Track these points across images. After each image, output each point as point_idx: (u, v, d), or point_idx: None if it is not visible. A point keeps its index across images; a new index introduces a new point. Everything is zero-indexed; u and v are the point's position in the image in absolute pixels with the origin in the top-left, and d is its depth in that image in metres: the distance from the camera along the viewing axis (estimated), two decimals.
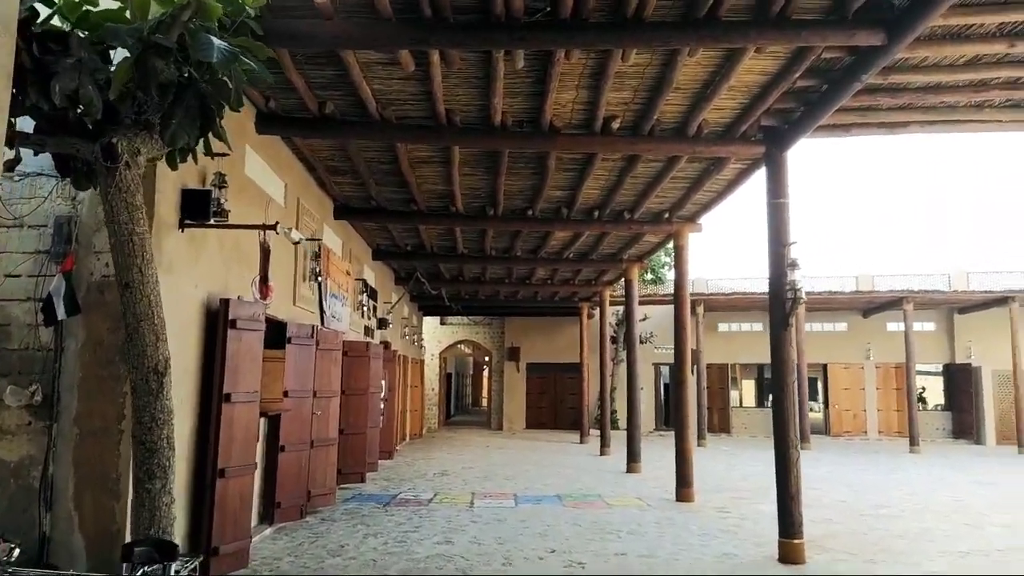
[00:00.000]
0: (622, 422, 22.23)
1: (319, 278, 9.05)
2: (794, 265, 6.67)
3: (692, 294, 20.01)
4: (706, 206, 9.93)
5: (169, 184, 4.94)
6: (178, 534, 5.17)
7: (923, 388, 22.55)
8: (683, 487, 10.00)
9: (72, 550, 4.55)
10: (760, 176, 7.56)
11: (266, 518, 7.49)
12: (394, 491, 10.49)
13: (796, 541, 6.52)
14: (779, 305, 6.89)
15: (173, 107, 3.76)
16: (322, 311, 9.34)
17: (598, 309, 21.65)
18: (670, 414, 24.04)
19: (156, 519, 3.93)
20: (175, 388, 5.16)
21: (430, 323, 25.23)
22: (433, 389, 25.11)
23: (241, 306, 5.73)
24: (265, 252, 6.86)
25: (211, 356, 5.55)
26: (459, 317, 25.03)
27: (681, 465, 10.10)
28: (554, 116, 6.84)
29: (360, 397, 10.78)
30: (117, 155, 3.65)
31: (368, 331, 12.96)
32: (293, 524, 7.79)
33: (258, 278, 6.76)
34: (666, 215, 10.27)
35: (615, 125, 6.99)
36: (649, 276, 22.09)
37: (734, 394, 23.87)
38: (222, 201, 5.40)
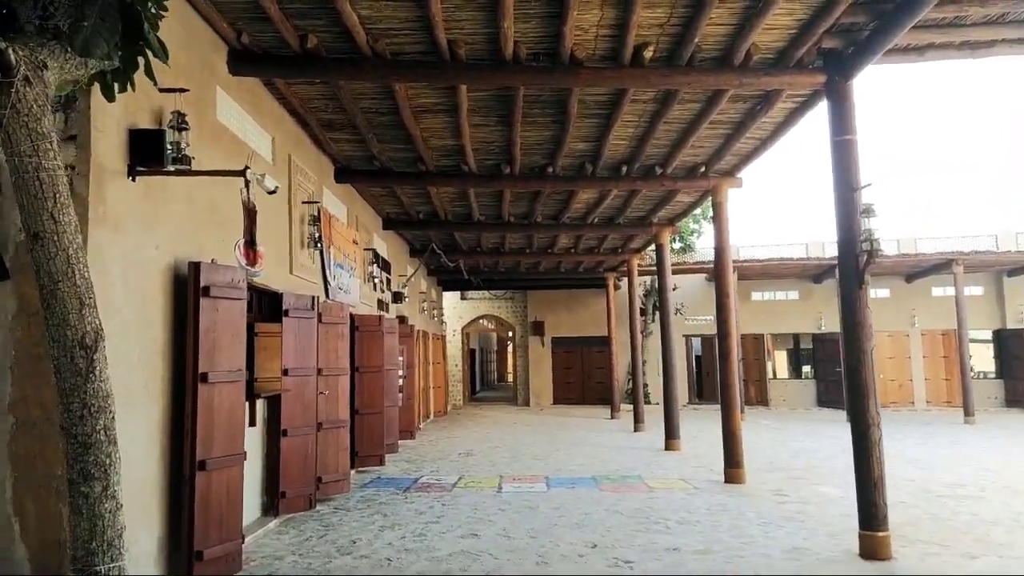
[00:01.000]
0: (653, 396, 21.36)
1: (319, 245, 8.24)
2: (869, 212, 5.66)
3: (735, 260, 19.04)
4: (747, 157, 8.90)
5: (111, 121, 4.10)
6: (151, 539, 4.42)
7: (970, 356, 21.30)
8: (732, 467, 9.10)
9: (14, 561, 3.81)
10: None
11: (270, 510, 6.76)
12: (415, 474, 9.75)
13: (880, 534, 5.60)
14: (850, 259, 5.90)
15: (84, 7, 2.92)
16: (326, 281, 8.54)
17: (625, 280, 20.74)
18: (703, 387, 23.09)
19: (98, 529, 3.15)
20: (139, 369, 4.39)
21: (450, 299, 24.48)
22: (456, 365, 24.42)
23: (215, 271, 4.91)
24: (250, 212, 6.02)
25: (182, 330, 4.75)
26: (480, 292, 24.24)
27: (729, 443, 9.20)
28: (575, 45, 5.87)
29: (374, 374, 10.01)
30: (11, 66, 2.81)
31: (382, 305, 12.18)
32: (302, 515, 7.06)
33: (242, 241, 5.94)
34: (702, 169, 9.26)
35: (647, 54, 6.00)
36: (678, 244, 21.05)
37: (769, 365, 22.82)
38: (183, 146, 4.56)
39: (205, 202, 5.32)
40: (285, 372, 6.69)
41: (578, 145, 8.44)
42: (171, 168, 4.38)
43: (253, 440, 6.51)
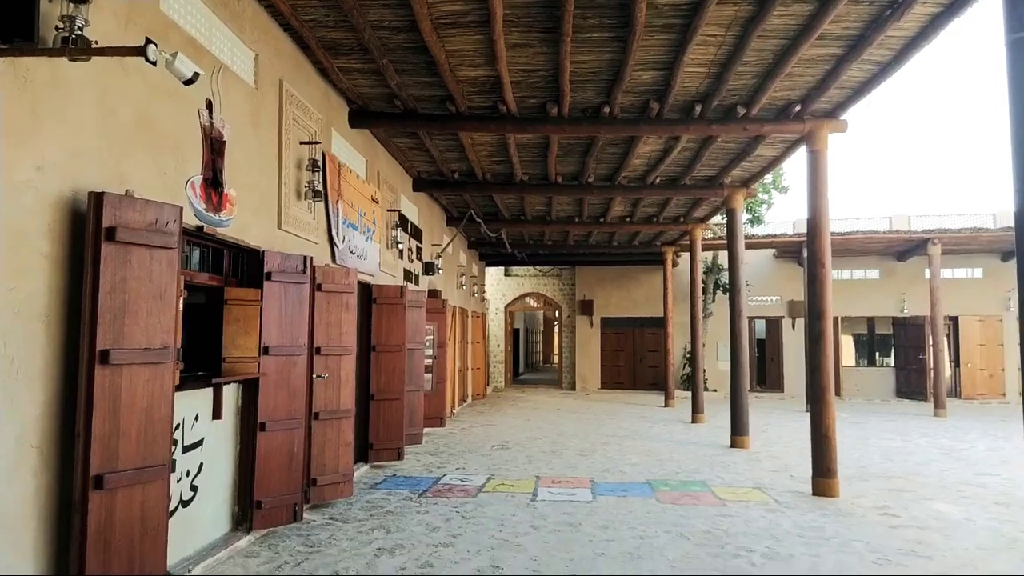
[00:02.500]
0: (710, 382, 19.56)
1: (326, 197, 6.79)
2: None
3: (799, 234, 17.03)
4: (858, 91, 7.06)
5: None
6: None
7: None
8: (823, 476, 7.40)
9: None
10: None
11: (242, 523, 5.40)
12: (437, 472, 8.32)
13: None
14: None
15: None
16: (332, 242, 7.10)
17: (684, 255, 18.89)
18: (766, 374, 21.15)
19: None
20: (6, 340, 3.01)
21: (493, 275, 23.02)
22: (498, 345, 23.02)
23: (128, 206, 3.47)
24: (213, 141, 4.59)
25: (79, 289, 3.34)
26: (525, 268, 22.71)
27: (821, 447, 7.48)
28: None
29: (394, 354, 8.60)
30: None
31: (410, 276, 10.74)
32: (285, 529, 5.68)
33: (199, 178, 4.50)
34: (796, 108, 7.45)
35: None
36: (745, 216, 19.07)
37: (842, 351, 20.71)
38: (79, 23, 3.11)
39: (133, 115, 3.88)
40: (265, 351, 5.29)
41: (642, 75, 6.75)
42: (53, 47, 2.94)
43: (220, 436, 5.13)
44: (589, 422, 13.57)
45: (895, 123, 56.28)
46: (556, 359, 27.88)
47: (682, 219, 14.01)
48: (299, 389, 5.63)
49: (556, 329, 27.76)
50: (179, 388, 4.08)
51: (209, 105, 4.64)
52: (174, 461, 3.88)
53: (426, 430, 11.51)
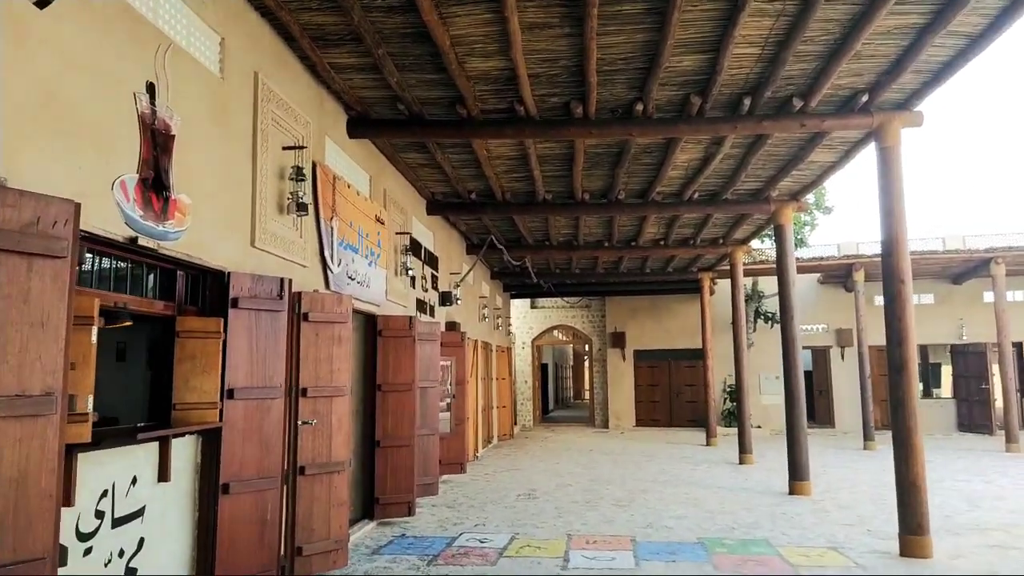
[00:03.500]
0: (754, 418, 18.13)
1: (317, 214, 5.87)
2: None
3: (847, 256, 15.78)
4: (938, 75, 5.98)
5: None
6: None
7: None
8: (912, 533, 6.14)
9: None
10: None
11: None
12: (453, 530, 7.21)
13: None
14: None
15: None
16: (325, 264, 6.16)
17: (720, 283, 17.68)
18: (815, 408, 19.66)
19: None
20: None
21: (519, 307, 22.00)
22: (526, 382, 21.87)
23: None
24: (155, 131, 3.68)
25: None
26: (552, 300, 21.65)
27: (909, 500, 6.23)
28: None
29: (402, 394, 7.57)
30: None
31: (424, 307, 9.77)
32: None
33: (134, 178, 3.58)
34: (863, 98, 6.38)
35: None
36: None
37: None
38: None
39: (35, 92, 2.97)
40: (230, 394, 4.30)
41: (683, 60, 5.75)
42: None
43: (170, 502, 4.11)
44: (625, 465, 12.34)
45: (942, 136, 54.22)
46: (587, 395, 26.63)
47: (721, 240, 12.90)
48: (273, 440, 4.62)
49: (586, 363, 26.55)
50: (94, 446, 3.10)
51: (151, 89, 3.74)
52: (65, 549, 2.88)
53: (444, 477, 10.40)
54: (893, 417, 6.41)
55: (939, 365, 19.80)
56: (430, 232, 10.45)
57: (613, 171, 8.71)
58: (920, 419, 6.34)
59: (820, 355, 19.43)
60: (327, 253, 6.15)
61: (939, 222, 48.73)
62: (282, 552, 4.90)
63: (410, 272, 8.76)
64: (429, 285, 10.20)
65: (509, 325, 19.59)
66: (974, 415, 17.62)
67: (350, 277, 6.72)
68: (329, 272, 6.21)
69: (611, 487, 9.92)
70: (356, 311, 7.07)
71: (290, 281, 4.95)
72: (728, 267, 15.45)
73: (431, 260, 10.40)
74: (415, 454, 7.65)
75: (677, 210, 10.00)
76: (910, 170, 52.36)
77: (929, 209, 48.32)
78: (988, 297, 18.21)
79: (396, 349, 7.60)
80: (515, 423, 20.15)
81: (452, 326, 11.40)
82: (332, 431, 5.53)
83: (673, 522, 7.53)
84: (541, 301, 22.05)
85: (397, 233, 8.47)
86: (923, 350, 19.40)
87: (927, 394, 19.44)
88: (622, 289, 19.87)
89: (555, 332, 22.70)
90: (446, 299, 10.82)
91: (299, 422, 5.21)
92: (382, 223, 7.80)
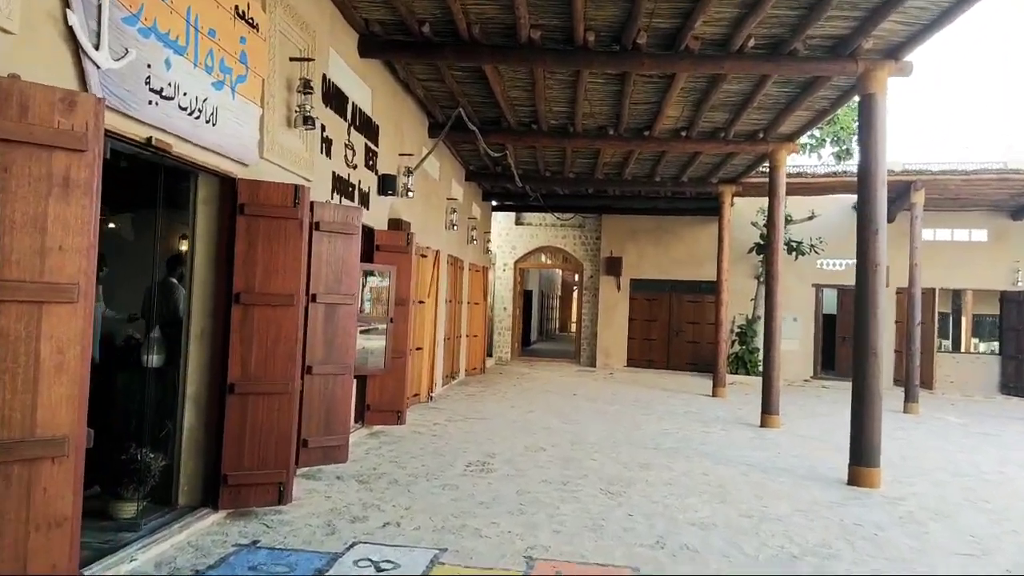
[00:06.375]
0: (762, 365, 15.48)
1: None
2: None
3: (907, 172, 12.69)
4: (928, 27, 2.88)
5: None
6: None
7: None
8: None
9: None
10: None
11: None
12: (346, 535, 4.42)
13: None
14: None
15: None
16: (78, 44, 3.10)
17: (738, 203, 14.62)
18: (836, 356, 17.03)
19: None
20: None
21: (502, 223, 18.98)
22: (505, 309, 19.09)
23: None
24: None
25: None
26: (540, 216, 18.63)
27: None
28: None
29: (276, 311, 4.64)
30: None
31: (347, 189, 6.76)
32: None
33: None
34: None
35: None
36: (830, 148, 14.71)
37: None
38: None
39: None
40: None
41: None
42: None
43: None
44: (618, 419, 9.63)
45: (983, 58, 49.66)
46: (574, 327, 24.00)
47: (762, 134, 9.79)
48: None
49: (575, 293, 23.81)
50: None
51: None
52: None
53: (372, 430, 7.64)
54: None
55: (983, 316, 17.10)
56: (366, 87, 7.32)
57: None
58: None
59: (847, 296, 16.62)
60: (78, 19, 3.08)
61: (997, 147, 43.71)
62: None
63: (320, 126, 5.69)
64: (360, 160, 7.15)
65: (488, 241, 16.61)
66: (1023, 376, 15.04)
67: (156, 92, 3.68)
68: (88, 61, 3.16)
69: (600, 457, 7.18)
70: (184, 162, 4.07)
71: None
72: (757, 179, 12.50)
73: (366, 126, 7.32)
74: (296, 405, 4.78)
75: (721, 66, 6.86)
76: (965, 86, 47.90)
77: (987, 132, 43.89)
78: None
79: (269, 237, 4.63)
80: (488, 355, 17.46)
81: (396, 224, 8.42)
82: (38, 371, 2.62)
83: (697, 537, 4.77)
84: (528, 216, 19.03)
85: (293, 59, 5.36)
86: (956, 294, 16.63)
87: (957, 347, 16.78)
88: (622, 206, 16.86)
89: (542, 255, 19.77)
90: (388, 185, 7.79)
91: None
92: (254, 27, 4.69)
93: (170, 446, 4.63)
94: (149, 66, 3.66)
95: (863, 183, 6.55)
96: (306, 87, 5.32)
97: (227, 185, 4.61)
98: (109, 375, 4.84)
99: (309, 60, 5.47)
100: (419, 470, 6.18)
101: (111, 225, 6.76)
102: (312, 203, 5.37)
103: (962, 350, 16.67)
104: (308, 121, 5.34)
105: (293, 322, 4.68)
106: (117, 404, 4.85)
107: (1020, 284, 15.39)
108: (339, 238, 5.64)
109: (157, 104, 3.73)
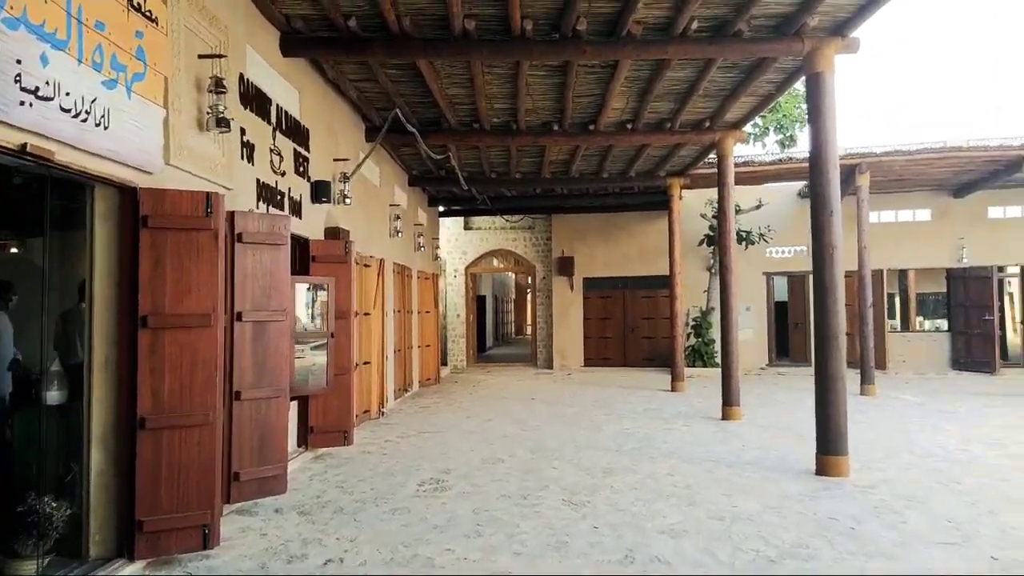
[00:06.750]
0: (719, 356, 15.42)
1: None
2: None
3: (851, 155, 12.73)
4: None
5: None
6: None
7: None
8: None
9: None
10: None
11: None
12: None
13: None
14: None
15: None
16: None
17: (686, 196, 14.51)
18: (788, 344, 17.09)
19: None
20: None
21: (451, 229, 18.55)
22: (458, 316, 18.66)
23: None
24: None
25: None
26: (489, 219, 18.26)
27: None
28: None
29: (191, 334, 4.16)
30: None
31: (274, 198, 6.28)
32: None
33: None
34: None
35: None
36: (774, 136, 14.76)
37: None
38: None
39: None
40: None
41: None
42: None
43: None
44: (578, 422, 9.31)
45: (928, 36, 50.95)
46: (530, 329, 23.68)
47: (708, 123, 9.63)
48: None
49: (529, 295, 23.52)
50: None
51: None
52: None
53: (316, 453, 7.15)
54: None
55: (937, 294, 17.39)
56: (292, 89, 6.86)
57: None
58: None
59: (797, 282, 16.74)
60: None
61: (933, 128, 44.91)
62: None
63: (239, 130, 5.22)
64: (289, 166, 6.67)
65: (436, 247, 16.17)
66: (973, 351, 15.30)
67: (30, 91, 3.20)
68: None
69: (561, 464, 6.84)
70: (72, 171, 3.60)
71: None
72: (705, 170, 12.41)
73: (294, 130, 6.85)
74: (219, 437, 4.30)
75: (665, 51, 6.60)
76: (894, 69, 49.32)
77: (922, 113, 45.08)
78: (994, 213, 15.72)
79: (179, 252, 4.15)
80: (444, 364, 17.02)
81: (334, 233, 7.95)
82: None
83: (668, 546, 4.46)
84: (476, 221, 18.65)
85: (202, 56, 4.88)
86: (901, 274, 16.88)
87: (906, 327, 17.03)
88: (571, 205, 16.62)
89: (493, 259, 19.41)
90: (322, 192, 7.32)
91: None
92: (153, 21, 4.21)
93: (78, 492, 4.10)
94: (19, 62, 3.18)
95: (815, 166, 6.35)
96: (218, 86, 4.85)
97: (128, 196, 4.12)
98: (2, 416, 4.29)
99: (220, 56, 4.99)
100: (367, 494, 5.74)
101: (14, 250, 6.17)
102: (233, 213, 4.94)
103: (911, 329, 16.90)
104: (222, 123, 4.86)
105: (211, 344, 4.20)
106: (13, 448, 4.30)
107: (965, 261, 15.67)
108: (266, 249, 5.17)
109: (32, 105, 3.24)
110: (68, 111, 3.47)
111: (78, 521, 4.05)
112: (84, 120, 3.60)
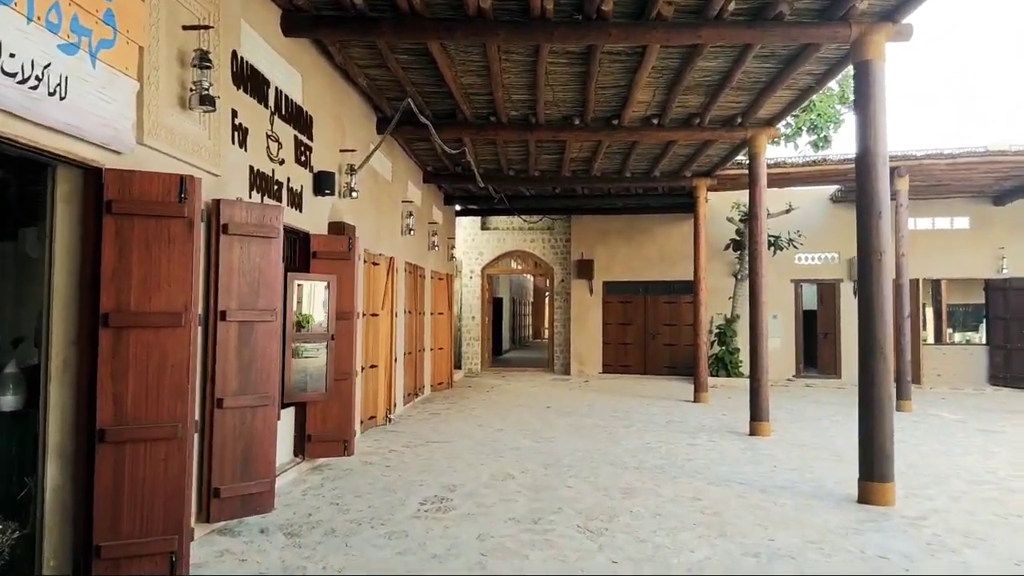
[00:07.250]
0: (745, 366, 14.81)
1: None
2: None
3: (892, 157, 12.02)
4: None
5: None
6: None
7: None
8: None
9: None
10: None
11: None
12: None
13: None
14: None
15: None
16: None
17: (711, 198, 13.93)
18: (816, 354, 16.37)
19: None
20: None
21: (467, 229, 18.08)
22: (473, 318, 18.18)
23: None
24: None
25: None
26: (507, 219, 17.76)
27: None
28: None
29: (159, 334, 3.69)
30: None
31: (270, 187, 5.81)
32: None
33: None
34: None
35: None
36: (806, 136, 14.06)
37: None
38: None
39: None
40: None
41: None
42: None
43: None
44: (595, 435, 8.76)
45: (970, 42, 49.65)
46: (547, 333, 23.14)
47: (740, 119, 9.04)
48: None
49: (547, 298, 22.97)
50: None
51: None
52: None
53: (314, 463, 6.66)
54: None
55: (968, 305, 16.61)
56: (295, 72, 6.39)
57: None
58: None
59: (827, 291, 16.02)
60: None
61: (978, 133, 43.13)
62: None
63: (231, 112, 4.75)
64: (289, 155, 6.21)
65: (452, 247, 15.69)
66: (1013, 366, 14.51)
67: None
68: None
69: (576, 482, 6.30)
70: (19, 145, 3.13)
71: None
72: (733, 170, 11.80)
73: (296, 116, 6.38)
74: (190, 451, 3.83)
75: (698, 35, 6.04)
76: (942, 74, 47.93)
77: (968, 119, 43.80)
78: None
79: (147, 242, 3.68)
80: (458, 367, 16.54)
81: (339, 228, 7.47)
82: None
83: None
84: (494, 221, 18.16)
85: (187, 27, 4.42)
86: (934, 285, 16.08)
87: (939, 339, 16.23)
88: (592, 206, 16.07)
89: (511, 260, 18.95)
90: (325, 184, 6.85)
91: None
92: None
93: (32, 511, 3.65)
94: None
95: (862, 162, 5.77)
96: (203, 60, 4.38)
97: (92, 178, 3.66)
98: None
99: (206, 28, 4.51)
100: (363, 513, 5.24)
101: None
102: (218, 201, 4.46)
103: (944, 342, 16.11)
104: (206, 101, 4.38)
105: (183, 347, 3.73)
106: None
107: (1005, 271, 14.89)
108: (254, 242, 4.70)
109: None
110: (12, 75, 3.00)
111: (32, 543, 3.59)
112: (34, 87, 3.13)
